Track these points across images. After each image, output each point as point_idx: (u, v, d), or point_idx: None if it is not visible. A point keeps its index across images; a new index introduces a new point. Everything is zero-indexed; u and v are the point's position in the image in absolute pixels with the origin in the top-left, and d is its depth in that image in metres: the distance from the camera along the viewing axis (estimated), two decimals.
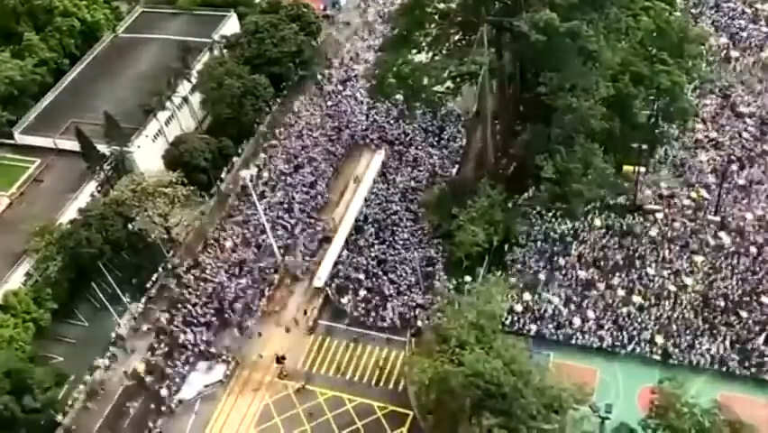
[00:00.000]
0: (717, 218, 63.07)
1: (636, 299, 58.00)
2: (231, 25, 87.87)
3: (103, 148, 72.47)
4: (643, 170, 64.78)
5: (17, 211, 70.68)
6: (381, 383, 57.38)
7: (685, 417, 43.04)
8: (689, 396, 44.04)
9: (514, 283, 59.73)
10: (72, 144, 73.31)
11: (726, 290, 57.64)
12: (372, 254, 65.41)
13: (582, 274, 60.35)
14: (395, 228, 67.32)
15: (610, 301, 58.06)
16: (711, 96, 74.38)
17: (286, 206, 71.32)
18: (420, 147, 75.48)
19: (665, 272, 59.54)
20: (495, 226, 60.35)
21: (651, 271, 59.71)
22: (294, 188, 73.04)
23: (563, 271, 60.84)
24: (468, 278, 60.89)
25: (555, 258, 61.93)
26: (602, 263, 61.07)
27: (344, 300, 62.56)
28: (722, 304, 56.75)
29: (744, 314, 55.84)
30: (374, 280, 63.46)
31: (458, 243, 59.73)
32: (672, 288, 58.26)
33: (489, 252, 61.38)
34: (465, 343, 47.10)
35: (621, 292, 58.61)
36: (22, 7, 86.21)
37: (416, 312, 60.17)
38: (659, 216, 64.12)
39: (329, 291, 63.33)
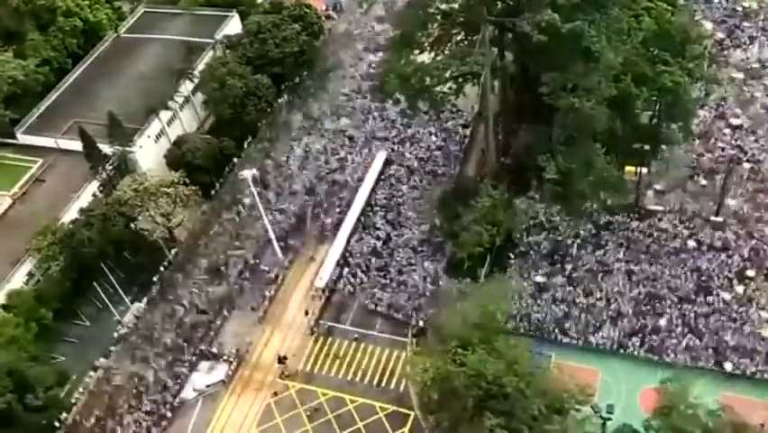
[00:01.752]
0: (720, 219, 63.07)
1: (630, 297, 58.49)
2: (233, 25, 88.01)
3: (105, 148, 72.61)
4: (645, 170, 64.71)
5: (19, 211, 70.82)
6: (383, 383, 57.42)
7: (689, 418, 42.95)
8: (692, 397, 43.96)
9: (514, 283, 59.69)
10: (74, 144, 73.38)
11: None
12: (373, 256, 65.51)
13: (578, 274, 60.64)
14: (397, 231, 67.49)
15: (602, 303, 58.48)
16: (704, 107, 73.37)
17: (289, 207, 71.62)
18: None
19: (658, 272, 60.06)
20: (498, 227, 60.31)
21: (645, 269, 60.27)
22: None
23: (559, 272, 61.01)
24: (470, 278, 60.83)
25: (554, 257, 62.09)
26: (600, 264, 61.33)
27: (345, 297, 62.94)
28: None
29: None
30: (376, 280, 63.55)
31: (461, 243, 59.68)
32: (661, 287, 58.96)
33: (490, 252, 61.37)
34: (467, 343, 47.02)
35: (617, 292, 58.86)
36: (26, 7, 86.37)
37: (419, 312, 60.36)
38: (658, 216, 64.15)
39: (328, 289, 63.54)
